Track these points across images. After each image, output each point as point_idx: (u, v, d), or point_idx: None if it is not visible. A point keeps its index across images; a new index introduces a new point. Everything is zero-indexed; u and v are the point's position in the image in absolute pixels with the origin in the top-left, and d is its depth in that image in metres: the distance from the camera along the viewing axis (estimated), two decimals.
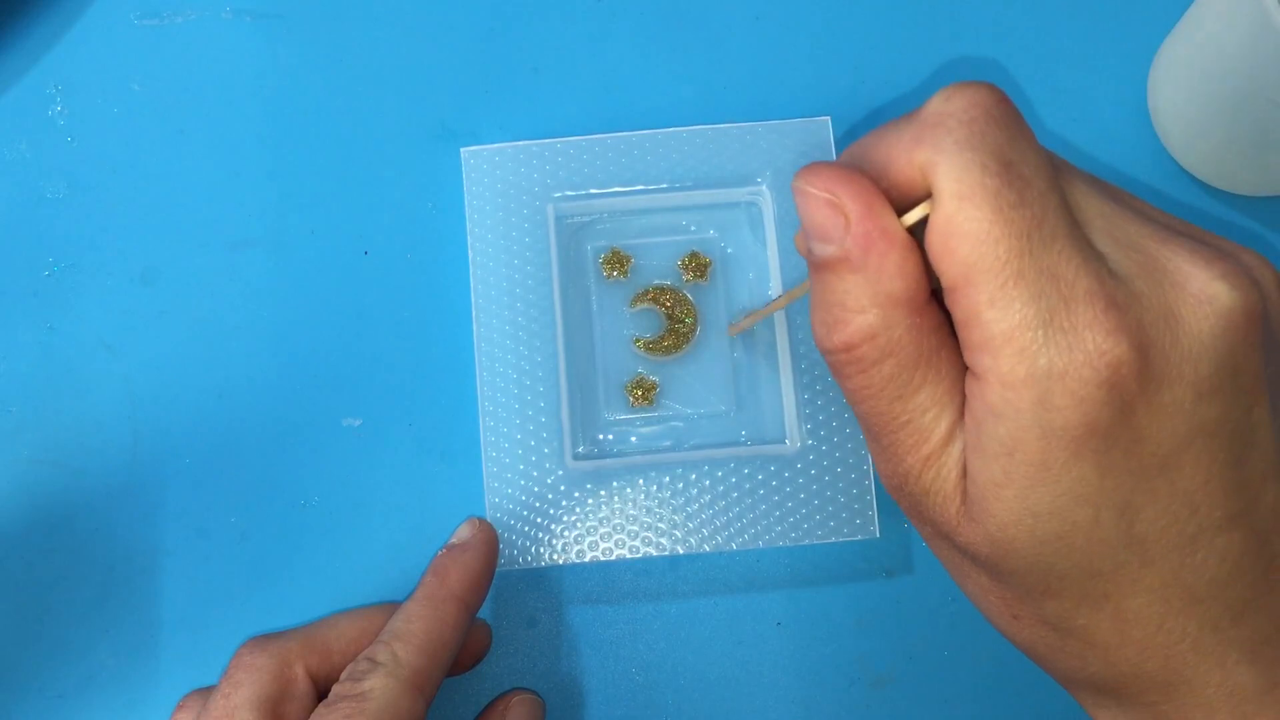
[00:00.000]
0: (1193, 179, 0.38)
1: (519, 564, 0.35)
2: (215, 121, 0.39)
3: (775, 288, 0.37)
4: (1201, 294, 0.21)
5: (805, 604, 0.36)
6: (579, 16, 0.40)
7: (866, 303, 0.22)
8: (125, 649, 0.36)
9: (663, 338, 0.36)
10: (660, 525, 0.35)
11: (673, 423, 0.36)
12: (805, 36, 0.39)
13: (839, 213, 0.22)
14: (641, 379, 0.36)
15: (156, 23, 0.40)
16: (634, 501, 0.35)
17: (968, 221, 0.21)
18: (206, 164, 0.39)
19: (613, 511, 0.35)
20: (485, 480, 0.35)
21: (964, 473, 0.22)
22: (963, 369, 0.23)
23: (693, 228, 0.37)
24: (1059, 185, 0.21)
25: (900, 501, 0.24)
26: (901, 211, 0.22)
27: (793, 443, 0.35)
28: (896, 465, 0.23)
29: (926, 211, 0.22)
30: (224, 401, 0.37)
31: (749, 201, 0.37)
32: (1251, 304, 0.21)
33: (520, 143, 0.37)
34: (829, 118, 0.37)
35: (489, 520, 0.35)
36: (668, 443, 0.36)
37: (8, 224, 0.38)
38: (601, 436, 0.36)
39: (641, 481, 0.35)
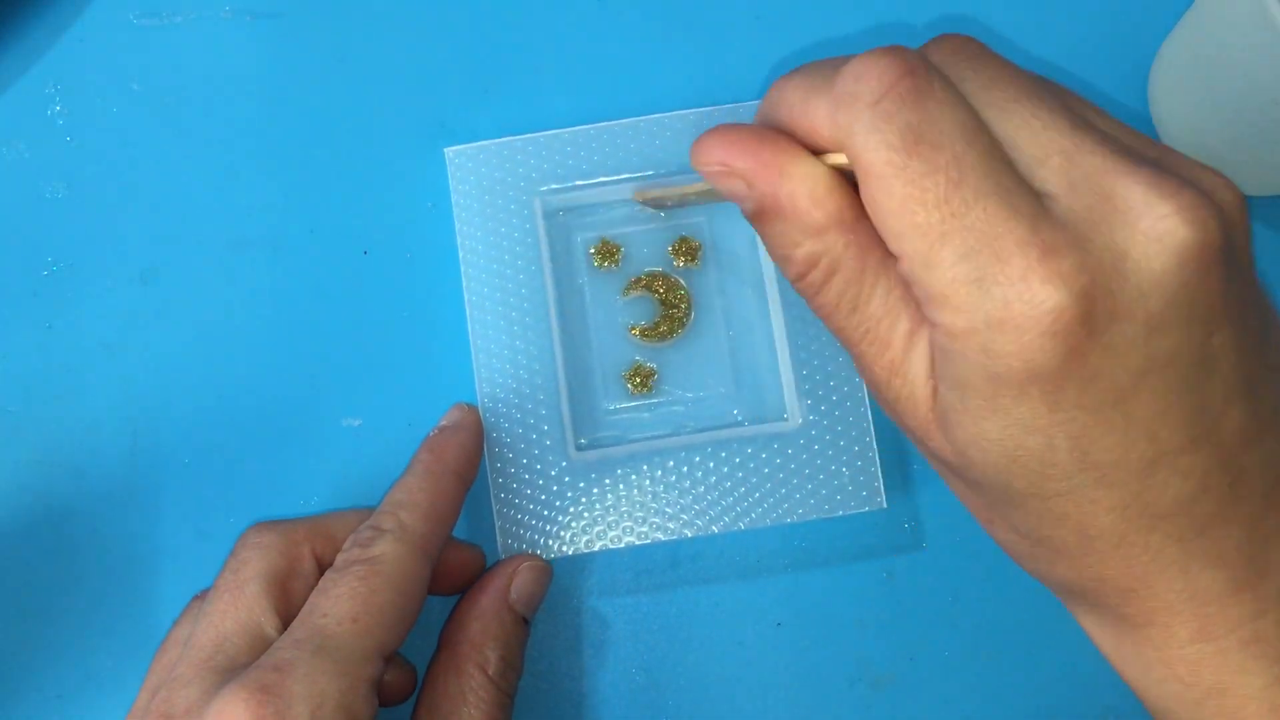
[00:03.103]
0: None
1: None
2: (214, 121, 0.39)
3: (767, 265, 0.37)
4: (1153, 230, 0.21)
5: (806, 604, 0.36)
6: (581, 14, 0.40)
7: (799, 236, 0.24)
8: (125, 649, 0.36)
9: (658, 324, 0.37)
10: (667, 510, 0.35)
11: (673, 408, 0.36)
12: (791, 29, 0.39)
13: (737, 176, 0.24)
14: (639, 366, 0.36)
15: (156, 22, 0.40)
16: (639, 488, 0.35)
17: (884, 198, 0.22)
18: (206, 164, 0.39)
19: (619, 500, 0.35)
20: (490, 476, 0.35)
21: (929, 382, 0.23)
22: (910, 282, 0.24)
23: (680, 212, 0.37)
24: (980, 138, 0.22)
25: (886, 411, 0.26)
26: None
27: (793, 419, 0.36)
28: (870, 375, 0.25)
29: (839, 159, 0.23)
30: (224, 402, 0.37)
31: None
32: (1208, 235, 0.21)
33: (504, 139, 0.37)
34: None
35: (494, 514, 0.35)
36: (669, 428, 0.36)
37: (7, 224, 0.38)
38: (603, 426, 0.36)
39: (645, 468, 0.35)
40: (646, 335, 0.36)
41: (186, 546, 0.36)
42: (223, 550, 0.35)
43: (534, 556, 0.34)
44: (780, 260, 0.25)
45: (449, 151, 0.37)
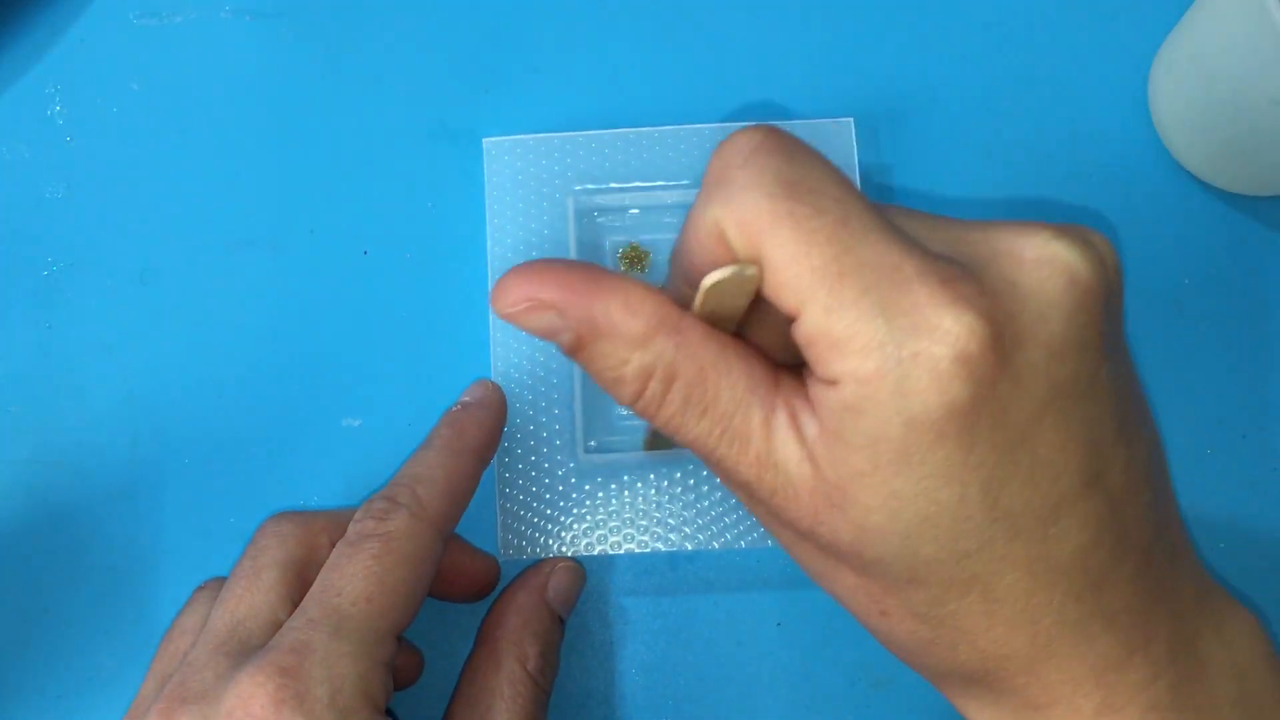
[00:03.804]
0: (1193, 179, 0.38)
1: (528, 554, 0.35)
2: (215, 121, 0.39)
3: None
4: (1039, 257, 0.21)
5: (805, 604, 0.36)
6: (584, 13, 0.40)
7: (625, 353, 0.23)
8: (125, 649, 0.36)
9: None
10: (670, 520, 0.35)
11: None
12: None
13: (547, 309, 0.23)
14: None
15: (155, 22, 0.40)
16: (644, 496, 0.35)
17: (775, 250, 0.21)
18: (206, 163, 0.39)
19: (623, 505, 0.35)
20: (497, 472, 0.35)
21: (812, 464, 0.22)
22: (756, 362, 0.23)
23: None
24: (855, 191, 0.22)
25: (758, 515, 0.25)
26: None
27: None
28: (737, 477, 0.24)
29: (728, 272, 0.22)
30: (223, 401, 0.37)
31: None
32: (1091, 261, 0.21)
33: (542, 135, 0.37)
34: (852, 119, 0.37)
35: (497, 510, 0.35)
36: None
37: (7, 224, 0.38)
38: (614, 431, 0.36)
39: (653, 476, 0.35)
40: None
41: (186, 546, 0.36)
42: (223, 550, 0.35)
43: (569, 560, 0.35)
44: (613, 386, 0.24)
45: (487, 142, 0.37)
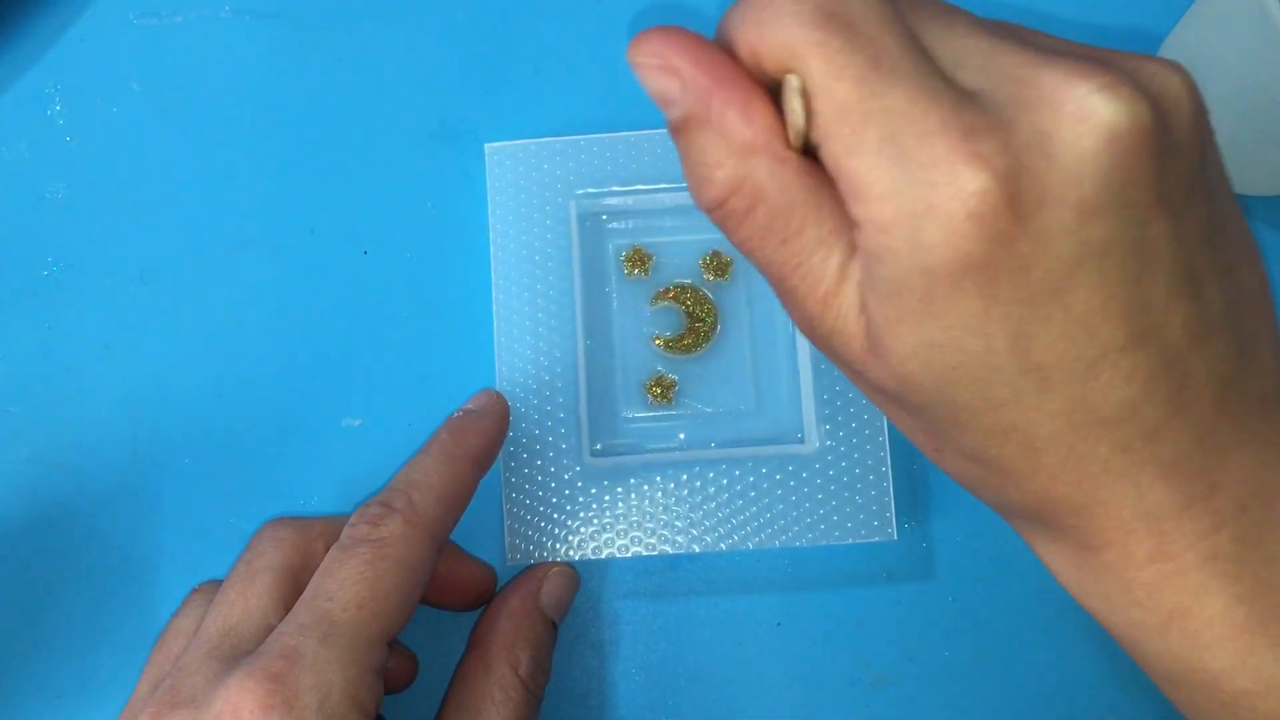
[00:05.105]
0: None
1: (535, 559, 0.35)
2: (215, 121, 0.39)
3: None
4: (1079, 111, 0.20)
5: (805, 604, 0.36)
6: (585, 14, 0.40)
7: (723, 156, 0.23)
8: (125, 649, 0.36)
9: (683, 336, 0.37)
10: (676, 523, 0.35)
11: (691, 421, 0.36)
12: None
13: (673, 74, 0.23)
14: (661, 377, 0.36)
15: (155, 22, 0.40)
16: (650, 499, 0.35)
17: (805, 79, 0.21)
18: (206, 164, 0.39)
19: (629, 508, 0.35)
20: (502, 476, 0.35)
21: (863, 310, 0.22)
22: (841, 208, 0.23)
23: (715, 227, 0.37)
24: (897, 25, 0.21)
25: (819, 347, 0.25)
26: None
27: (811, 443, 0.35)
28: (801, 310, 0.24)
29: (777, 81, 0.22)
30: (223, 401, 0.37)
31: None
32: (1139, 115, 0.20)
33: (544, 139, 0.37)
34: None
35: (503, 515, 0.35)
36: (685, 440, 0.36)
37: (7, 224, 0.38)
38: (619, 434, 0.36)
39: (659, 479, 0.35)
40: (671, 346, 0.36)
41: (186, 546, 0.36)
42: (223, 550, 0.35)
43: (563, 564, 0.34)
44: (695, 185, 0.23)
45: (489, 147, 0.37)
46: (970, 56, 0.21)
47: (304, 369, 0.37)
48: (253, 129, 0.39)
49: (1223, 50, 0.33)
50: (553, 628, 0.33)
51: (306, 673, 0.26)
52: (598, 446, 0.36)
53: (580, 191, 0.36)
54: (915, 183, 0.20)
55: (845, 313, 0.23)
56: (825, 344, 0.24)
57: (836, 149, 0.21)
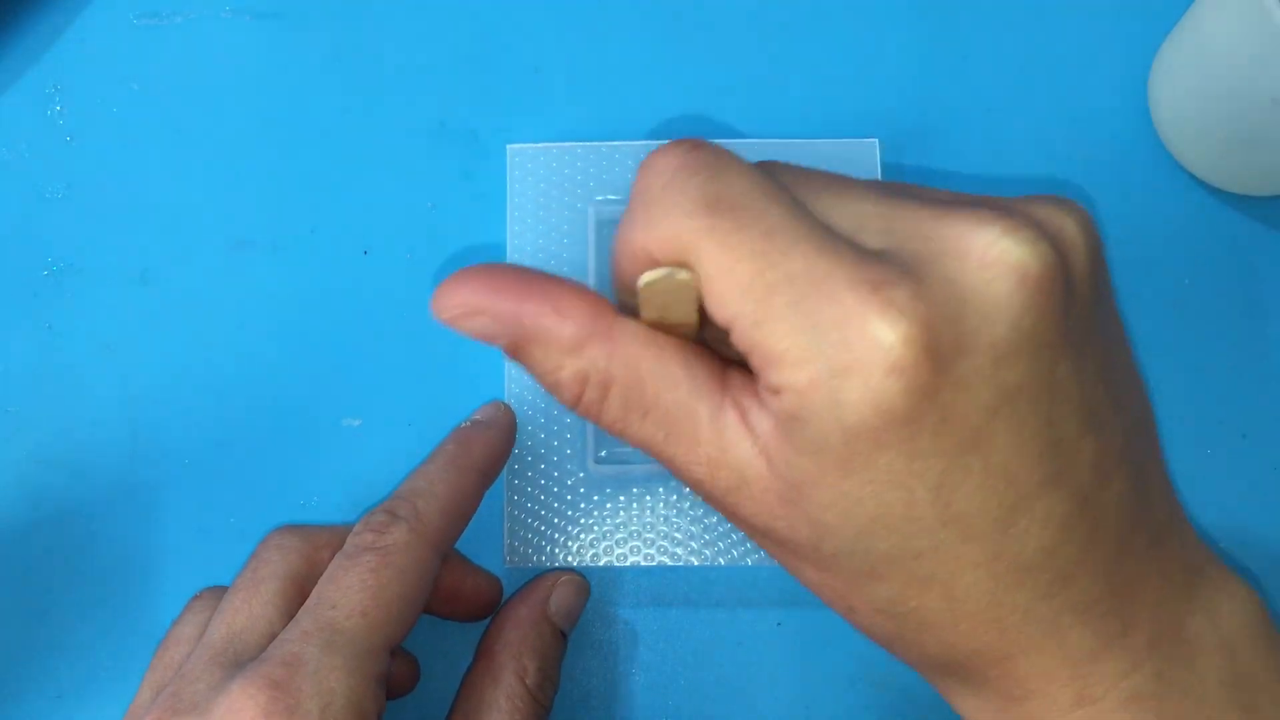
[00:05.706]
0: (1193, 179, 0.38)
1: (533, 563, 0.35)
2: (215, 121, 0.39)
3: None
4: (985, 257, 0.20)
5: (805, 604, 0.36)
6: (584, 17, 0.40)
7: (558, 358, 0.23)
8: (125, 649, 0.36)
9: None
10: (677, 535, 0.35)
11: None
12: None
13: (479, 314, 0.23)
14: None
15: (155, 22, 0.40)
16: (652, 510, 0.35)
17: (702, 266, 0.21)
18: (206, 164, 0.39)
19: (630, 517, 0.35)
20: (506, 479, 0.35)
21: (772, 466, 0.22)
22: (699, 363, 0.23)
23: None
24: (783, 196, 0.21)
25: (716, 508, 0.24)
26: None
27: None
28: (688, 476, 0.23)
29: (658, 274, 0.22)
30: (223, 401, 0.37)
31: None
32: (1044, 255, 0.20)
33: (567, 144, 0.37)
34: (876, 140, 0.37)
35: (504, 518, 0.35)
36: None
37: (7, 224, 0.38)
38: (624, 442, 0.36)
39: (661, 490, 0.35)
40: None
41: (186, 546, 0.36)
42: (223, 550, 0.35)
43: (572, 572, 0.34)
44: (553, 390, 0.24)
45: (511, 148, 0.37)
46: (869, 220, 0.21)
47: (304, 369, 0.37)
48: (253, 129, 0.39)
49: (1223, 50, 0.33)
50: (562, 637, 0.33)
51: (309, 680, 0.26)
52: (602, 454, 0.36)
53: (600, 198, 0.36)
54: (829, 343, 0.20)
55: (737, 466, 0.22)
56: (723, 502, 0.23)
57: (745, 325, 0.21)
